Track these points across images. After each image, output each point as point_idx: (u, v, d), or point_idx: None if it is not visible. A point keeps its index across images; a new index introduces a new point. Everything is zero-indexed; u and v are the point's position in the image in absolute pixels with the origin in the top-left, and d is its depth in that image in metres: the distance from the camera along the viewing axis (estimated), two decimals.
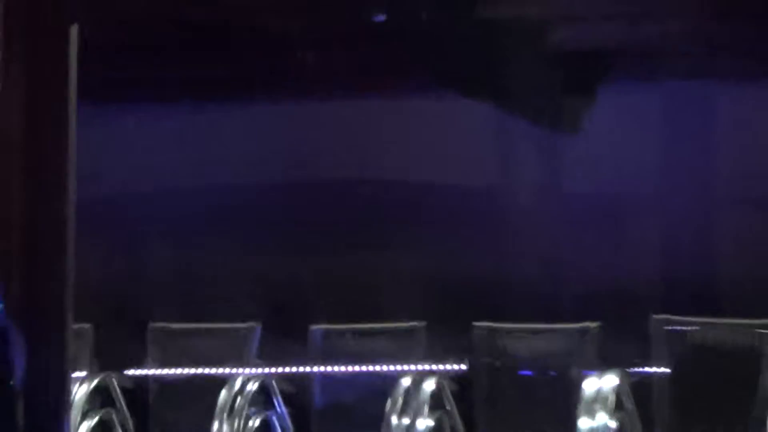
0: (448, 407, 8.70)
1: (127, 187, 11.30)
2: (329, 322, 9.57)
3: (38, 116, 7.82)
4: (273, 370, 9.27)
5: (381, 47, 11.94)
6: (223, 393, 8.60)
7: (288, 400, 9.11)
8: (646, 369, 8.98)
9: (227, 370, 9.07)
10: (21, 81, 7.69)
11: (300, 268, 12.61)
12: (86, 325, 8.94)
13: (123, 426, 9.18)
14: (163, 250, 12.60)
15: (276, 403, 8.99)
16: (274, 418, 8.95)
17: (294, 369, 9.39)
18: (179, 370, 9.36)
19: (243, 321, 9.64)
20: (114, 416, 9.16)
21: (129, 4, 8.51)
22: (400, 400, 8.37)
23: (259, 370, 9.16)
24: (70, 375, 7.88)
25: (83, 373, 8.89)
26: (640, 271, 11.88)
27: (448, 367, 8.98)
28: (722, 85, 12.60)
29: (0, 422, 6.49)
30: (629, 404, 8.56)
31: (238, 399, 8.59)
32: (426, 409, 8.42)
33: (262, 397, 8.92)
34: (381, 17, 11.23)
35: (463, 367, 9.01)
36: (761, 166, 12.21)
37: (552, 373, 8.92)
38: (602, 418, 8.15)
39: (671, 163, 13.49)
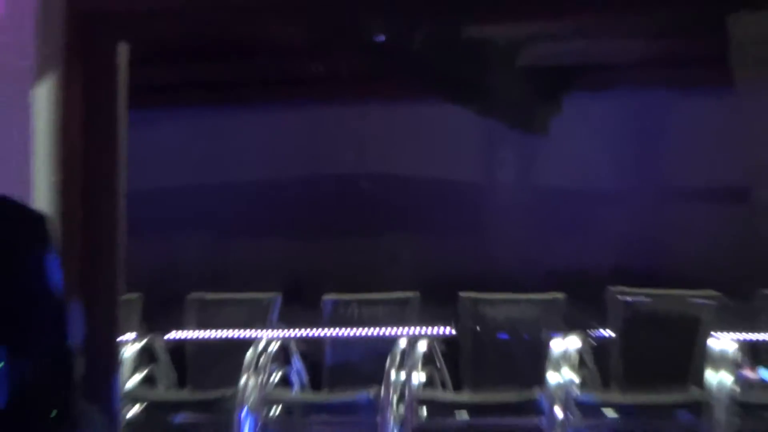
0: (438, 364, 8.84)
1: (168, 180, 11.30)
2: (338, 292, 9.58)
3: (94, 121, 7.84)
4: (291, 332, 9.39)
5: (380, 61, 11.94)
6: (250, 352, 8.73)
7: (304, 357, 9.17)
8: (603, 332, 9.00)
9: (253, 333, 9.07)
10: (79, 91, 7.71)
11: (313, 248, 12.66)
12: (135, 295, 8.94)
13: (166, 380, 9.20)
14: (199, 233, 12.65)
15: (294, 360, 9.05)
16: (293, 373, 9.00)
17: (309, 332, 9.46)
18: (213, 333, 9.40)
19: (266, 292, 9.52)
20: (158, 372, 9.20)
21: (166, 25, 8.52)
22: (398, 358, 8.47)
23: (280, 333, 9.25)
24: (119, 337, 7.91)
25: (133, 335, 8.94)
26: (599, 251, 11.94)
27: (438, 330, 9.01)
28: (664, 93, 12.59)
29: (61, 378, 6.47)
30: (590, 362, 8.61)
31: (262, 357, 8.67)
32: (419, 365, 8.53)
33: (282, 355, 8.97)
34: (381, 37, 11.24)
35: (451, 330, 9.03)
36: (699, 162, 12.25)
37: (525, 335, 8.93)
38: (567, 374, 8.20)
39: (624, 160, 13.53)
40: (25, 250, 4.49)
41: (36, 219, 4.53)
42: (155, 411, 8.77)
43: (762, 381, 8.59)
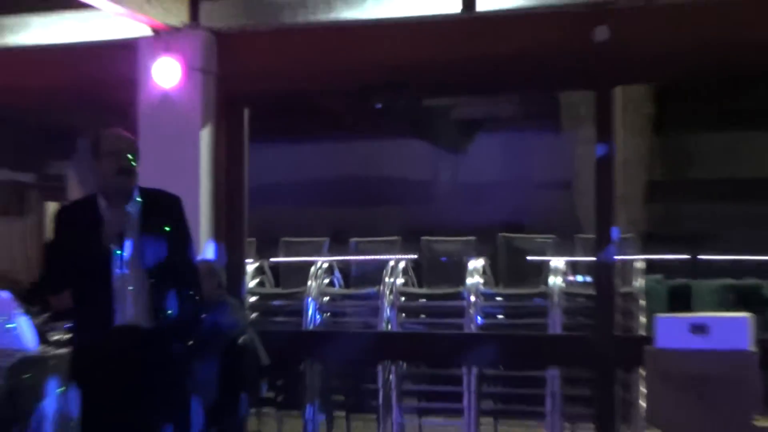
0: (409, 274, 8.75)
1: (269, 180, 11.31)
2: (358, 236, 9.56)
3: (231, 150, 7.94)
4: (334, 258, 9.26)
5: (379, 115, 12.02)
6: (312, 268, 8.70)
7: (340, 270, 9.14)
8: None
9: (314, 258, 9.03)
10: (223, 134, 7.87)
11: (345, 214, 12.81)
12: (252, 239, 8.79)
13: (268, 283, 9.21)
14: (286, 206, 12.78)
15: (335, 272, 9.03)
16: (335, 279, 9.00)
17: (343, 257, 9.43)
18: (293, 259, 9.40)
19: (320, 237, 9.54)
20: (266, 279, 9.24)
21: (267, 104, 8.56)
22: (389, 271, 8.45)
23: (328, 258, 9.13)
24: (245, 260, 7.99)
25: (251, 260, 8.85)
26: (493, 215, 12.04)
27: (410, 256, 8.96)
28: (525, 132, 12.64)
29: (215, 285, 6.56)
30: (488, 271, 8.64)
31: (319, 270, 8.69)
32: (400, 274, 8.51)
33: (329, 270, 8.93)
34: (379, 105, 11.31)
35: (416, 256, 9.01)
36: (542, 167, 12.39)
37: (455, 258, 8.93)
38: (476, 278, 8.26)
39: (504, 166, 13.68)
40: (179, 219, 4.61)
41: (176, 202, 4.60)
42: (264, 299, 8.76)
43: (577, 281, 8.77)
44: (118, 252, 4.42)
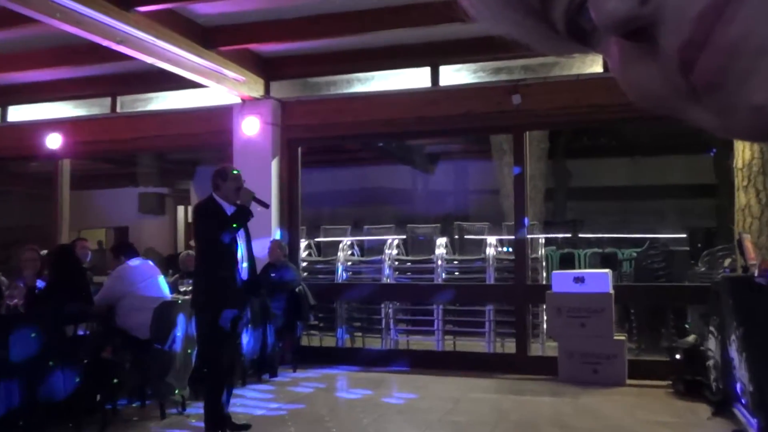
0: (400, 248, 8.59)
1: (312, 193, 11.24)
2: (368, 224, 9.49)
3: (289, 175, 7.86)
4: (355, 238, 9.11)
5: (381, 149, 11.97)
6: (341, 244, 8.56)
7: (358, 246, 8.99)
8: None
9: (341, 238, 8.89)
10: (285, 164, 7.79)
11: (360, 210, 12.72)
12: (303, 226, 8.65)
13: (314, 253, 9.05)
14: (325, 206, 12.70)
15: (354, 247, 8.87)
16: (354, 251, 8.86)
17: (359, 237, 9.33)
18: (329, 239, 9.30)
19: (345, 225, 9.41)
20: (312, 251, 9.11)
21: (311, 145, 8.61)
22: (388, 245, 8.30)
23: (351, 238, 8.97)
24: (299, 240, 7.89)
25: (303, 240, 8.73)
26: (451, 209, 11.98)
27: (400, 236, 8.85)
28: (468, 161, 12.57)
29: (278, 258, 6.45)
30: (449, 246, 8.54)
31: (345, 245, 8.59)
32: (394, 248, 8.35)
33: (351, 245, 8.82)
34: (380, 143, 11.27)
35: (403, 237, 8.92)
36: (479, 180, 12.32)
37: (428, 238, 8.82)
38: (441, 251, 8.18)
39: (453, 180, 13.63)
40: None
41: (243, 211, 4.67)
42: (311, 264, 8.53)
43: (504, 251, 8.71)
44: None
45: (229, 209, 4.69)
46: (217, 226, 4.56)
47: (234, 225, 4.60)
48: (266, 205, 4.88)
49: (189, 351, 5.36)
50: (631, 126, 10.29)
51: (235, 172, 4.82)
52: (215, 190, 4.74)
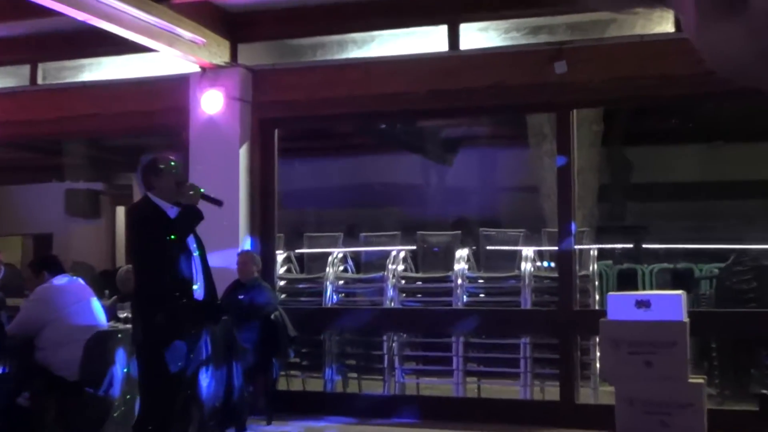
0: (408, 261, 8.63)
1: (293, 190, 11.26)
2: (366, 231, 9.51)
3: (264, 164, 7.89)
4: (347, 249, 9.11)
5: (383, 133, 12.00)
6: (330, 257, 8.56)
7: (352, 259, 9.04)
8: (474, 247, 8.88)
9: (331, 249, 8.89)
10: (257, 150, 7.83)
11: (356, 213, 12.77)
12: (281, 234, 8.67)
13: (294, 270, 9.12)
14: (309, 207, 12.74)
15: (348, 260, 8.93)
16: (348, 265, 8.92)
17: (354, 249, 9.35)
18: (314, 250, 9.29)
19: (336, 232, 9.42)
20: (292, 266, 9.16)
21: (293, 127, 8.63)
22: (392, 259, 8.34)
23: (342, 249, 8.97)
24: (276, 251, 7.92)
25: (281, 251, 8.76)
26: (473, 213, 12.06)
27: (408, 247, 8.88)
28: (497, 149, 12.63)
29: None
30: (472, 259, 8.57)
31: (335, 259, 8.59)
32: (401, 261, 8.38)
33: (343, 259, 8.85)
34: (382, 126, 11.30)
35: (413, 247, 8.95)
36: (510, 174, 12.37)
37: (444, 248, 8.85)
38: (462, 264, 8.20)
39: (479, 174, 13.68)
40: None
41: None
42: (291, 282, 8.62)
43: (543, 266, 8.73)
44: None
45: (172, 211, 4.68)
46: (157, 235, 4.53)
47: (177, 233, 4.56)
48: (219, 203, 4.86)
49: (129, 397, 5.36)
50: (712, 104, 10.30)
51: (172, 163, 4.81)
52: (149, 189, 4.74)
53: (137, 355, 4.75)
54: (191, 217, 4.64)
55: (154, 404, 4.61)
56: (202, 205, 4.74)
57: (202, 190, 4.72)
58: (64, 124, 8.63)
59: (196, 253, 4.73)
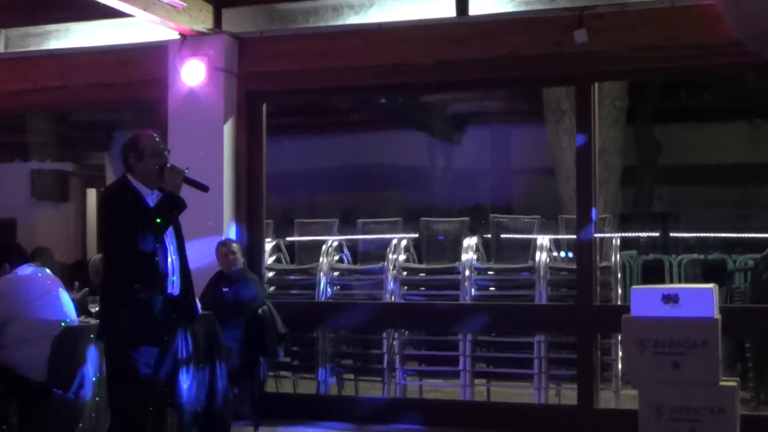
0: (410, 251, 8.62)
1: (283, 172, 11.26)
2: (364, 218, 9.49)
3: (251, 141, 7.93)
4: (343, 237, 9.12)
5: (383, 108, 11.99)
6: (324, 246, 8.59)
7: (348, 248, 9.00)
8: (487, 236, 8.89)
9: (325, 237, 8.90)
10: (244, 126, 7.85)
11: (352, 197, 12.78)
12: (270, 221, 8.72)
13: (284, 260, 9.11)
14: (300, 191, 12.75)
15: (344, 251, 8.92)
16: (343, 255, 8.89)
17: (351, 237, 9.30)
18: (306, 238, 9.25)
19: (331, 218, 9.41)
20: (282, 256, 9.17)
21: (282, 101, 8.63)
22: (392, 248, 8.34)
23: (338, 237, 8.99)
24: (264, 239, 7.94)
25: (270, 239, 8.74)
26: (483, 197, 12.07)
27: (411, 235, 8.83)
28: (509, 126, 12.62)
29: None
30: (481, 248, 8.56)
31: (329, 248, 8.59)
32: (402, 251, 8.37)
33: (338, 248, 8.84)
34: (382, 100, 11.29)
35: (416, 235, 8.90)
36: (525, 156, 12.37)
37: (451, 237, 8.84)
38: (470, 254, 8.19)
39: (491, 155, 13.67)
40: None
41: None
42: (280, 274, 8.63)
43: (560, 257, 8.73)
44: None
45: (151, 197, 4.66)
46: (133, 222, 4.49)
47: (157, 221, 4.54)
48: (204, 188, 4.82)
49: (100, 400, 5.36)
50: (752, 77, 10.27)
51: (157, 141, 4.76)
52: (129, 171, 4.71)
53: (105, 354, 4.73)
54: (172, 205, 4.60)
55: (122, 409, 4.59)
56: (185, 190, 4.70)
57: (186, 171, 4.68)
58: (28, 98, 8.62)
59: (173, 246, 4.70)
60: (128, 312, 4.50)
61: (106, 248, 4.79)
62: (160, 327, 4.58)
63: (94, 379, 5.39)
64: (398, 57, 7.47)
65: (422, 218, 9.16)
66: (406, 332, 8.07)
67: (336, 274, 8.53)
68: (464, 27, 7.41)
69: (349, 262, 8.96)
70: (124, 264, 4.57)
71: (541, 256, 7.92)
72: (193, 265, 4.99)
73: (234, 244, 7.43)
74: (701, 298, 6.35)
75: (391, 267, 8.20)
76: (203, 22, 7.71)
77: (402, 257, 8.37)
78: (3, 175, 14.69)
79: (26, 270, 5.59)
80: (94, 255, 9.76)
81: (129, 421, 4.55)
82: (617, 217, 10.31)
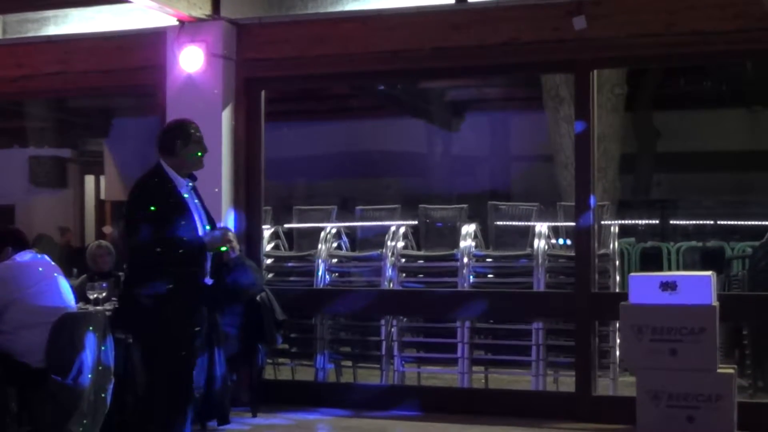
0: (408, 238, 8.62)
1: (281, 158, 11.25)
2: (363, 204, 9.48)
3: (249, 127, 7.91)
4: (341, 224, 9.14)
5: (382, 95, 11.97)
6: (322, 233, 8.57)
7: (347, 235, 9.01)
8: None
9: (324, 224, 8.90)
10: (243, 113, 7.83)
11: (351, 184, 12.79)
12: (268, 207, 8.72)
13: (283, 246, 9.10)
14: (298, 178, 12.75)
15: (342, 237, 8.92)
16: (342, 242, 8.90)
17: (349, 224, 9.32)
18: (305, 225, 9.26)
19: (329, 205, 9.39)
20: (280, 243, 9.16)
21: (281, 87, 8.62)
22: (391, 235, 8.34)
23: (336, 224, 8.99)
24: (262, 226, 7.94)
25: (268, 226, 8.76)
26: (481, 184, 12.09)
27: (409, 222, 8.85)
28: (509, 112, 12.61)
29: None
30: (479, 235, 8.57)
31: (328, 235, 8.57)
32: (401, 238, 8.37)
33: (337, 235, 8.83)
34: (381, 87, 11.27)
35: (414, 222, 8.93)
36: (525, 141, 12.37)
37: (449, 224, 8.85)
38: (468, 241, 8.19)
39: (491, 141, 13.65)
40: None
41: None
42: (279, 261, 8.64)
43: (559, 244, 8.73)
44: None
45: (185, 188, 4.75)
46: (164, 210, 4.67)
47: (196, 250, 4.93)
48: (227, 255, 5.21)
49: (102, 393, 5.37)
50: (752, 63, 10.27)
51: (198, 128, 4.94)
52: (167, 156, 4.75)
53: (136, 342, 4.90)
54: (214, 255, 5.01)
55: (168, 389, 4.82)
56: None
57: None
58: (26, 84, 8.62)
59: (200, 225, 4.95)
60: (181, 287, 4.82)
61: (133, 244, 4.84)
62: (203, 307, 4.93)
63: (92, 365, 5.37)
64: (397, 43, 7.46)
65: (421, 205, 9.15)
66: (405, 319, 8.07)
67: (334, 260, 8.52)
68: (463, 13, 7.41)
69: (347, 249, 8.94)
70: (162, 247, 4.75)
71: (539, 244, 7.91)
72: None
73: (230, 233, 7.42)
74: (699, 286, 6.37)
75: (390, 254, 8.20)
76: (201, 8, 7.70)
77: (400, 244, 8.36)
78: (1, 162, 14.71)
79: (25, 256, 5.58)
80: (91, 242, 9.77)
81: (175, 401, 4.82)
82: (616, 204, 10.31)
